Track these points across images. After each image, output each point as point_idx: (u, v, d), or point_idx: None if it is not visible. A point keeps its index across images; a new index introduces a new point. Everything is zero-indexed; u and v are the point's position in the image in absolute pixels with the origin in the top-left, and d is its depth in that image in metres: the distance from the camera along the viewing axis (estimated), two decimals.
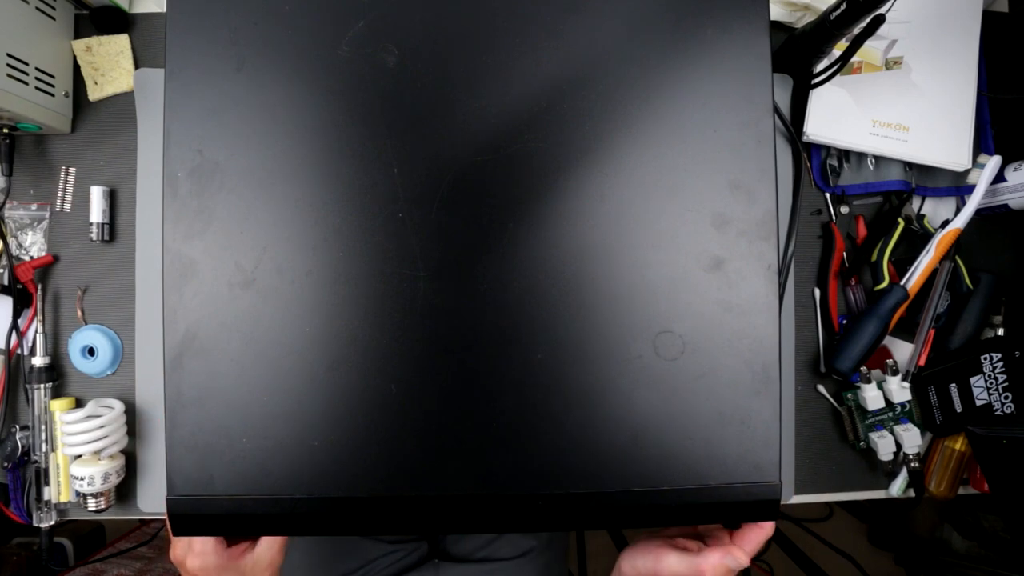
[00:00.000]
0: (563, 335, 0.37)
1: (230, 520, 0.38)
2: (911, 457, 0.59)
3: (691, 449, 0.38)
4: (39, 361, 0.53)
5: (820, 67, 0.56)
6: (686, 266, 0.38)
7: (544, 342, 0.37)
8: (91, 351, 0.55)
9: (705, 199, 0.38)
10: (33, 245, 0.56)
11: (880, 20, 0.48)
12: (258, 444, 0.36)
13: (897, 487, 0.61)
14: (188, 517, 0.37)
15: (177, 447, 0.36)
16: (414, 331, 0.37)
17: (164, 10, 0.41)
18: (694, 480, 0.38)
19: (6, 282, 0.54)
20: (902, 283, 0.57)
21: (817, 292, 0.61)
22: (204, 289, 0.36)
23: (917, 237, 0.61)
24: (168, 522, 0.37)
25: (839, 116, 0.58)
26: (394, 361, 0.37)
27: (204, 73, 0.37)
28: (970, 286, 0.60)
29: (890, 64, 0.59)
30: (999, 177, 0.60)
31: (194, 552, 0.41)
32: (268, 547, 0.42)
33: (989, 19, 0.61)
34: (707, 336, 0.38)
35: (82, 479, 0.50)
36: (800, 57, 0.57)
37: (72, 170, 0.56)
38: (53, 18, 0.53)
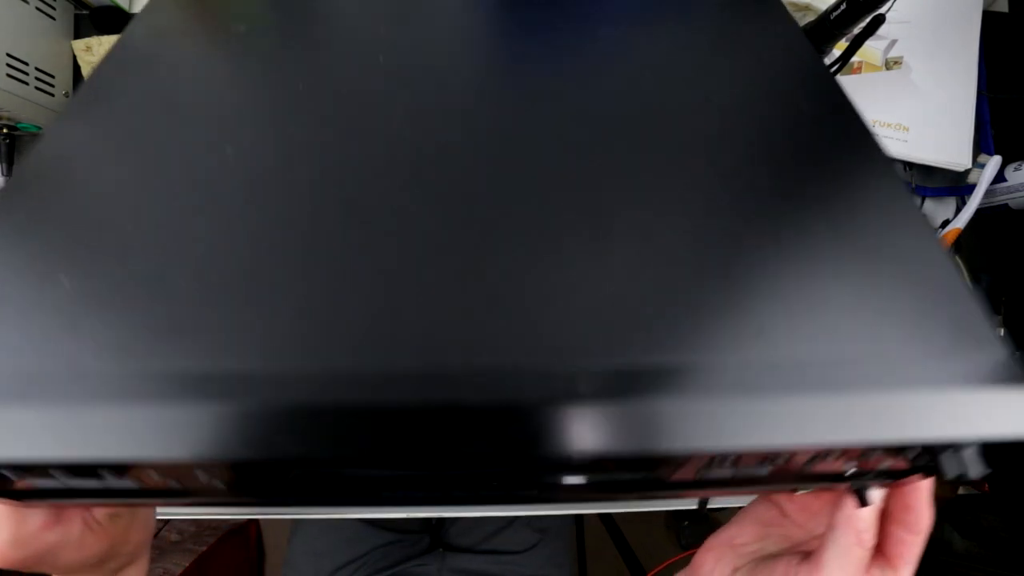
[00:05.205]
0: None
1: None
2: None
3: None
4: None
5: None
6: None
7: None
8: None
9: None
10: None
11: (880, 20, 0.48)
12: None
13: None
14: None
15: None
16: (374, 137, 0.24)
17: None
18: None
19: None
20: None
21: None
22: None
23: None
24: None
25: None
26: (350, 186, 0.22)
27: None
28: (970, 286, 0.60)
29: (890, 64, 0.59)
30: (999, 177, 0.60)
31: None
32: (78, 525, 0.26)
33: (989, 19, 0.61)
34: None
35: None
36: None
37: None
38: (53, 18, 0.53)
